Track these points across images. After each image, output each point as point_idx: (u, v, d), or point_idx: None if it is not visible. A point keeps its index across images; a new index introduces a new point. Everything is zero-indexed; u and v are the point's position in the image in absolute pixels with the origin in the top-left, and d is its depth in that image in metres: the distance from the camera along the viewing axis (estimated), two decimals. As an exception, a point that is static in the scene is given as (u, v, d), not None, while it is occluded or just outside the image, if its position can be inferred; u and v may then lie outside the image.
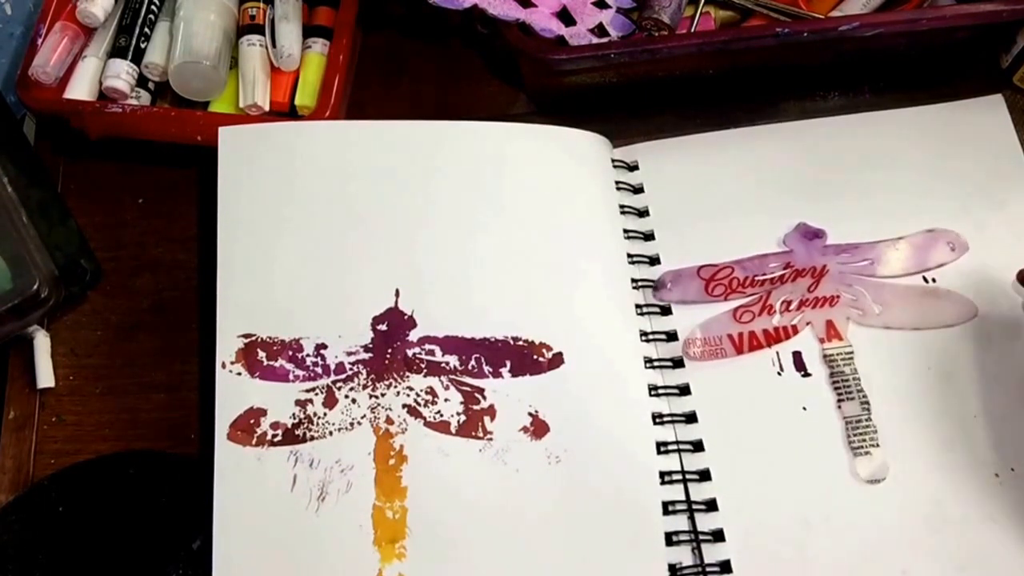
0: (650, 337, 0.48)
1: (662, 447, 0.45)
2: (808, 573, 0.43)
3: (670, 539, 0.44)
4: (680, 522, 0.44)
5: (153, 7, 0.53)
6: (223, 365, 0.45)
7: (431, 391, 0.46)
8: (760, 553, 0.44)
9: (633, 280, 0.49)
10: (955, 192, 0.51)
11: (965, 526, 0.44)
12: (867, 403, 0.46)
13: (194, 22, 0.52)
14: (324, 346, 0.46)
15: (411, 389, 0.46)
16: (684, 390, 0.47)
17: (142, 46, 0.53)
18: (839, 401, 0.46)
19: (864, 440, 0.45)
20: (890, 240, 0.49)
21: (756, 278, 0.49)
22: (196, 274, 0.52)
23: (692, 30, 0.54)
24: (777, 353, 0.48)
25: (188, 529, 0.45)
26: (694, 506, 0.44)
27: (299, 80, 0.53)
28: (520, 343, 0.46)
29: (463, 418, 0.45)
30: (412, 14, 0.55)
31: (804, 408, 0.46)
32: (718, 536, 0.44)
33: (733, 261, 0.49)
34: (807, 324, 0.48)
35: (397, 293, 0.47)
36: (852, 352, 0.47)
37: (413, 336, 0.46)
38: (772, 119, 0.54)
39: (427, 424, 0.45)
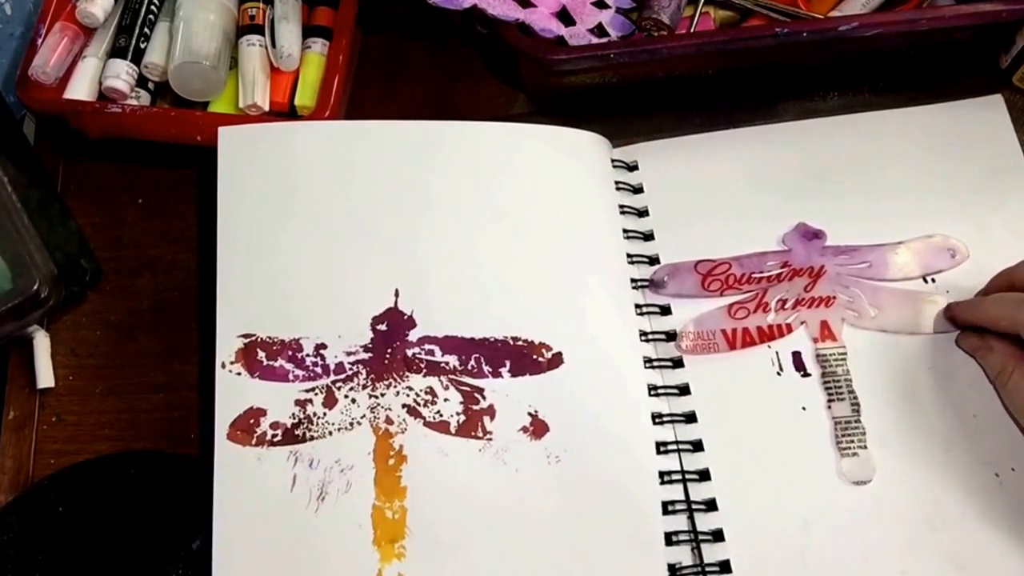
0: (650, 337, 0.48)
1: (662, 447, 0.45)
2: (807, 573, 0.43)
3: (670, 539, 0.44)
4: (680, 522, 0.44)
5: (153, 7, 0.53)
6: (223, 365, 0.46)
7: (431, 391, 0.46)
8: (760, 553, 0.44)
9: (633, 280, 0.49)
10: (954, 192, 0.51)
11: (965, 526, 0.44)
12: (857, 404, 0.46)
13: (194, 22, 0.52)
14: (324, 346, 0.46)
15: (411, 389, 0.46)
16: (684, 390, 0.47)
17: (142, 46, 0.53)
18: (829, 401, 0.46)
19: (852, 441, 0.45)
20: (890, 244, 0.49)
21: (753, 275, 0.49)
22: (196, 274, 0.52)
23: (691, 30, 0.54)
24: (777, 353, 0.48)
25: (188, 529, 0.45)
26: (693, 506, 0.44)
27: (299, 80, 0.53)
28: (520, 343, 0.46)
29: (463, 418, 0.45)
30: (412, 14, 0.55)
31: (804, 408, 0.46)
32: (718, 536, 0.44)
33: (731, 257, 0.49)
34: (801, 323, 0.48)
35: (397, 293, 0.47)
36: (845, 353, 0.47)
37: (413, 336, 0.46)
38: (772, 119, 0.54)
39: (427, 424, 0.45)
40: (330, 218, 0.48)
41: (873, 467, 0.45)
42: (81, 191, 0.54)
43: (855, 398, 0.46)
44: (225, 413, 0.45)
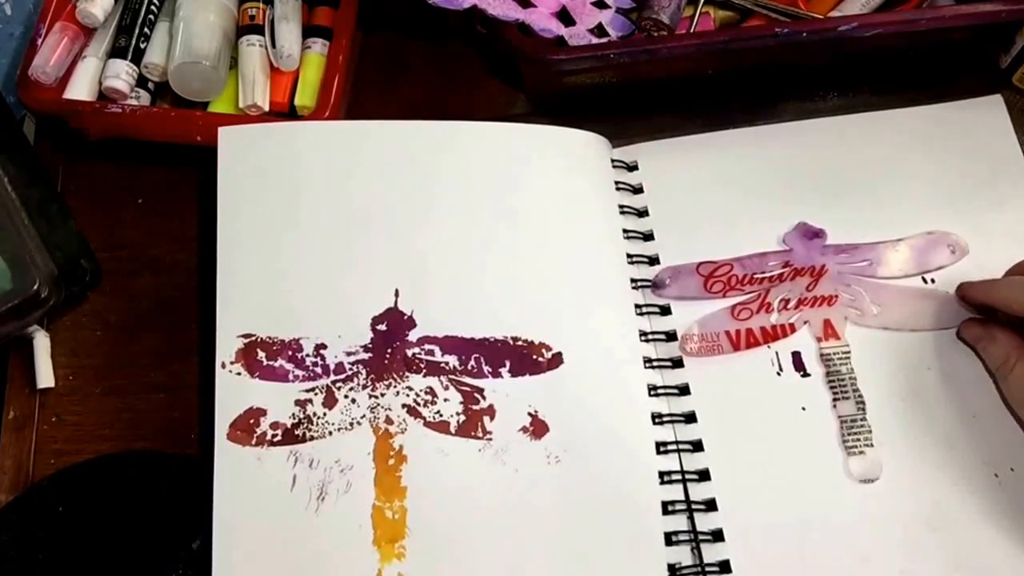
0: (649, 337, 0.48)
1: (661, 447, 0.45)
2: (807, 573, 0.43)
3: (669, 539, 0.44)
4: (679, 522, 0.44)
5: (153, 7, 0.53)
6: (223, 365, 0.46)
7: (431, 391, 0.46)
8: (759, 553, 0.44)
9: (633, 280, 0.49)
10: (954, 192, 0.51)
11: (964, 526, 0.44)
12: (863, 403, 0.46)
13: (194, 22, 0.52)
14: (324, 346, 0.46)
15: (411, 389, 0.46)
16: (683, 390, 0.47)
17: (142, 46, 0.53)
18: (835, 400, 0.46)
19: (859, 440, 0.45)
20: (890, 242, 0.50)
21: (755, 276, 0.49)
22: (196, 274, 0.52)
23: (691, 30, 0.54)
24: (776, 353, 0.48)
25: (188, 529, 0.45)
26: (693, 506, 0.44)
27: (299, 80, 0.53)
28: (520, 343, 0.46)
29: (463, 418, 0.45)
30: (412, 14, 0.55)
31: (803, 408, 0.46)
32: (717, 536, 0.44)
33: (732, 258, 0.49)
34: (804, 323, 0.48)
35: (397, 293, 0.47)
36: (849, 352, 0.47)
37: (413, 336, 0.46)
38: (772, 119, 0.54)
39: (427, 424, 0.45)
40: (330, 218, 0.48)
41: (881, 465, 0.45)
42: (81, 191, 0.54)
43: (860, 396, 0.46)
44: (225, 413, 0.45)
